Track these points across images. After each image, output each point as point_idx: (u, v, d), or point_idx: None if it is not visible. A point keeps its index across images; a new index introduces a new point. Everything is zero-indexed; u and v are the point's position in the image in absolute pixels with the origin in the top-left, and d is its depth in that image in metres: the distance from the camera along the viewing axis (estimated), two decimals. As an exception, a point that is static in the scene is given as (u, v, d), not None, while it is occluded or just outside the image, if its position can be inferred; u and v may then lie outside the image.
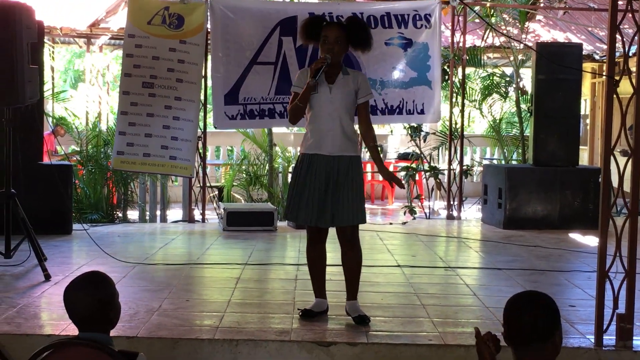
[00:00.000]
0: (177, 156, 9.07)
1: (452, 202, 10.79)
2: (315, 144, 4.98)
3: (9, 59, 5.94)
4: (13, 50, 5.94)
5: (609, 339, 4.67)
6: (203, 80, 9.56)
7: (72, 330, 4.49)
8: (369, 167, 15.19)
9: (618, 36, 4.67)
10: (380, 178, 15.37)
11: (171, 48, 9.02)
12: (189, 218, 10.05)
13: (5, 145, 6.45)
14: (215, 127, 9.81)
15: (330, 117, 4.96)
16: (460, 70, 10.77)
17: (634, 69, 4.77)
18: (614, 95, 4.68)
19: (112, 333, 3.08)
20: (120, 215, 11.55)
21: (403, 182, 14.20)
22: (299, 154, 5.14)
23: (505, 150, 14.25)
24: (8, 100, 6.08)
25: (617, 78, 4.65)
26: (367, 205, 6.21)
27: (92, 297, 2.91)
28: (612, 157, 4.66)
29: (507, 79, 13.73)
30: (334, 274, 5.65)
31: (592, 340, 4.72)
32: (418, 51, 9.90)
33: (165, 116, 9.03)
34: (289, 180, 12.19)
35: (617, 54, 5.58)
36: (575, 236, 9.05)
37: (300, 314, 5.09)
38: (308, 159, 5.00)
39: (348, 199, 4.95)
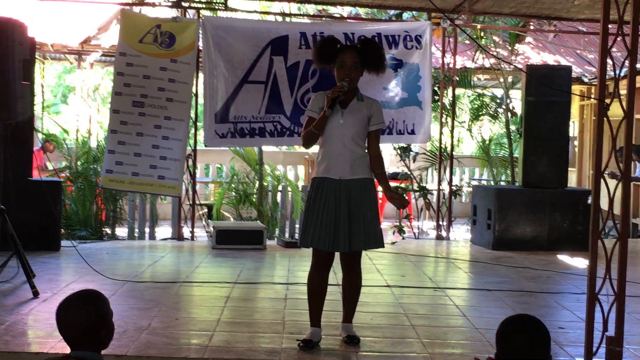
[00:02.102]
0: (166, 175, 9.07)
1: (441, 223, 10.81)
2: (326, 168, 4.93)
3: (2, 75, 5.92)
4: (5, 66, 5.93)
5: (599, 361, 4.68)
6: (194, 98, 9.57)
7: (61, 348, 4.47)
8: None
9: (608, 60, 4.71)
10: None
11: (162, 67, 9.04)
12: (178, 236, 10.03)
13: (-5, 161, 6.43)
14: (206, 145, 9.81)
15: (340, 141, 4.91)
16: (450, 91, 10.82)
17: (623, 92, 4.80)
18: (604, 118, 4.71)
19: (102, 352, 3.06)
20: (109, 232, 11.51)
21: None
22: (311, 177, 5.10)
23: (494, 171, 14.31)
24: (0, 116, 6.07)
25: (607, 101, 4.69)
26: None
27: (86, 315, 2.88)
28: (602, 180, 4.69)
29: (497, 100, 13.81)
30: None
31: (582, 363, 4.73)
32: (409, 72, 9.95)
33: (154, 135, 9.03)
34: (278, 199, 12.37)
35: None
36: (564, 258, 9.07)
37: (302, 345, 4.91)
38: (318, 183, 4.94)
39: (362, 224, 4.89)
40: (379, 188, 5.19)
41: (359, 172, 4.96)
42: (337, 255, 5.05)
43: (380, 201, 15.04)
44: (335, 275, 5.69)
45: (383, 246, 5.03)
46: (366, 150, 5.06)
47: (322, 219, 4.86)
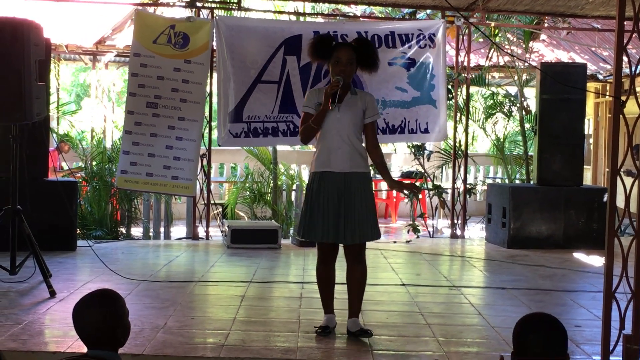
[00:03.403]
0: (179, 176, 9.10)
1: (455, 221, 10.78)
2: (325, 162, 5.05)
3: (17, 76, 5.96)
4: (21, 67, 5.97)
5: (616, 359, 4.66)
6: (208, 97, 9.60)
7: (78, 347, 4.50)
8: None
9: (624, 57, 4.69)
10: (384, 196, 15.40)
11: (176, 68, 9.06)
12: (193, 235, 10.06)
13: (11, 161, 6.47)
14: (220, 145, 9.83)
15: (338, 135, 5.03)
16: (464, 89, 10.80)
17: (639, 89, 4.77)
18: (620, 116, 4.69)
19: (118, 351, 3.08)
20: (124, 232, 11.56)
21: (406, 201, 14.26)
22: (309, 172, 5.18)
23: (509, 169, 14.26)
24: (15, 116, 6.10)
25: (623, 98, 4.67)
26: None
27: (102, 315, 2.90)
28: (618, 177, 4.67)
29: (511, 98, 13.76)
30: (338, 292, 5.63)
31: (598, 361, 4.71)
32: (421, 71, 9.92)
33: (168, 136, 9.06)
34: (293, 198, 12.37)
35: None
36: (580, 256, 9.04)
37: (319, 331, 5.09)
38: (319, 177, 5.06)
39: (362, 216, 5.00)
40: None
41: (358, 166, 5.08)
42: (340, 249, 5.15)
43: (395, 200, 14.99)
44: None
45: (380, 237, 5.20)
46: (363, 144, 5.17)
47: (324, 212, 4.97)
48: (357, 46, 5.14)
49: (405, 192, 5.36)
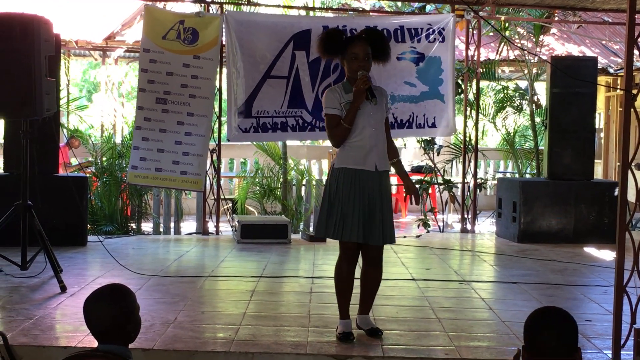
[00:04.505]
0: (188, 171, 9.12)
1: (466, 216, 10.77)
2: (360, 160, 4.85)
3: (28, 71, 5.98)
4: (31, 63, 5.99)
5: (627, 354, 4.64)
6: (218, 92, 9.60)
7: (89, 342, 4.51)
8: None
9: (635, 50, 4.67)
10: (394, 191, 15.38)
11: (185, 64, 9.07)
12: (203, 230, 10.07)
13: (22, 157, 6.49)
14: (229, 140, 9.84)
15: (374, 131, 4.87)
16: (474, 83, 10.77)
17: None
18: (631, 109, 4.67)
19: (129, 346, 3.08)
20: (134, 227, 11.59)
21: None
22: (334, 168, 4.94)
23: (519, 163, 14.22)
24: (26, 112, 6.13)
25: (634, 92, 4.64)
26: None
27: (113, 310, 2.91)
28: (629, 171, 4.65)
29: (521, 92, 13.72)
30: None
31: (610, 356, 4.69)
32: (430, 65, 9.90)
33: (177, 132, 9.08)
34: (303, 193, 12.37)
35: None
36: (591, 250, 9.01)
37: (342, 337, 4.89)
38: (352, 175, 4.85)
39: (388, 216, 4.90)
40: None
41: (386, 164, 4.99)
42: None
43: (405, 194, 14.98)
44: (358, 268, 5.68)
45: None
46: None
47: (357, 211, 4.81)
48: (367, 38, 4.95)
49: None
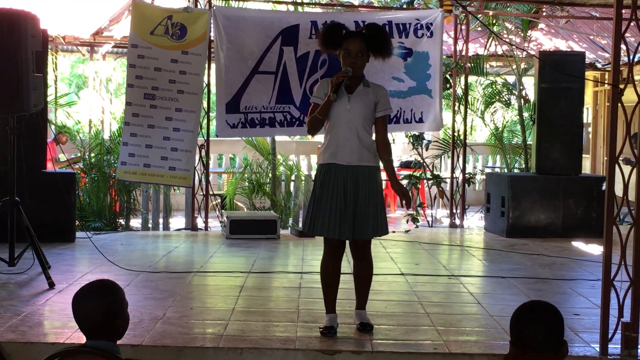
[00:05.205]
0: (177, 167, 9.11)
1: (454, 211, 10.79)
2: (333, 154, 4.92)
3: (15, 67, 5.95)
4: (18, 58, 5.95)
5: (614, 347, 4.67)
6: (206, 88, 9.58)
7: (77, 338, 4.50)
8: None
9: (622, 45, 4.68)
10: (383, 186, 15.38)
11: (173, 59, 9.04)
12: (191, 226, 10.06)
13: (9, 153, 6.46)
14: (217, 136, 9.83)
15: (348, 127, 4.89)
16: (462, 78, 10.78)
17: (637, 77, 4.77)
18: (619, 104, 4.69)
19: (117, 341, 3.08)
20: (123, 223, 11.55)
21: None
22: (317, 164, 5.06)
23: (507, 158, 14.26)
24: (13, 108, 6.09)
25: (621, 87, 4.66)
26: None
27: (101, 306, 2.90)
28: (616, 166, 4.67)
29: (510, 87, 13.75)
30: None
31: (597, 349, 4.72)
32: (418, 60, 9.91)
33: (165, 127, 9.06)
34: (292, 188, 12.36)
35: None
36: (578, 244, 9.05)
37: (324, 332, 4.92)
38: (326, 169, 4.93)
39: (369, 211, 4.88)
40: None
41: (366, 160, 4.94)
42: (347, 242, 5.06)
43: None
44: (349, 264, 5.69)
45: (387, 233, 5.04)
46: (372, 138, 5.05)
47: (331, 206, 4.86)
48: (367, 34, 4.95)
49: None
